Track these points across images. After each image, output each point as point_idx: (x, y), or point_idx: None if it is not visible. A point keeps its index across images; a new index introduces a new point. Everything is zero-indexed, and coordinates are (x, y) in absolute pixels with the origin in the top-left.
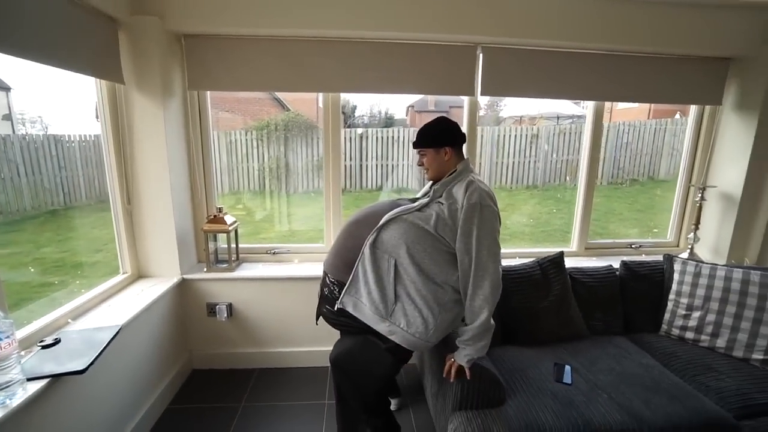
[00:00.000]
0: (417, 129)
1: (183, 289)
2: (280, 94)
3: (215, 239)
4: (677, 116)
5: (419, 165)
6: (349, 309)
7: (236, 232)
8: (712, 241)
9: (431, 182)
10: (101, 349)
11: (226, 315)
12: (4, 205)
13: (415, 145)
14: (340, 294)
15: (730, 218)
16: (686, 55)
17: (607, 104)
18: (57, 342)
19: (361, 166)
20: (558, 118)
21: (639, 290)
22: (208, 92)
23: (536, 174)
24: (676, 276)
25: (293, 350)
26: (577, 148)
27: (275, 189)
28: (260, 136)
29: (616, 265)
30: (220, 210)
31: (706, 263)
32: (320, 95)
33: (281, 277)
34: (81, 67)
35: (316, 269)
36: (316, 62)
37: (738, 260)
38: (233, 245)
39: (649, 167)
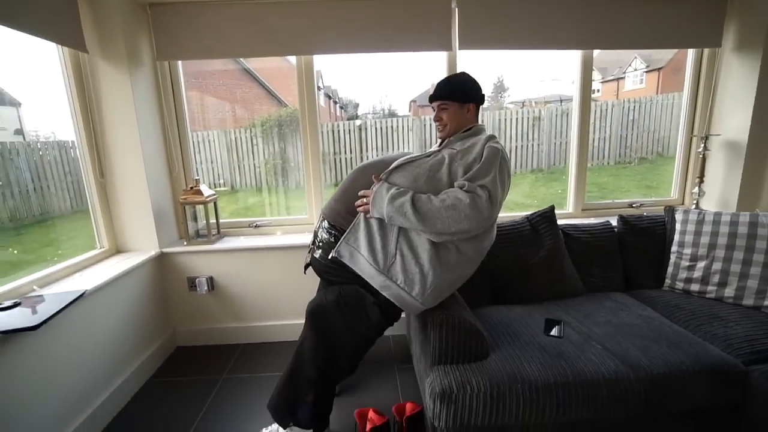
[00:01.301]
0: (417, 118)
1: (162, 263)
2: (275, 89)
3: (195, 214)
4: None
5: (436, 120)
6: (345, 259)
7: (215, 204)
8: (719, 194)
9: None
10: (59, 309)
11: (206, 288)
12: (13, 210)
13: (438, 96)
14: (335, 241)
15: (737, 168)
16: None
17: (611, 85)
18: (16, 305)
19: (361, 158)
20: (561, 101)
21: (639, 245)
22: (180, 64)
23: (540, 157)
24: (677, 226)
25: (276, 323)
26: None
27: (273, 185)
28: (258, 134)
29: (615, 223)
30: (197, 182)
31: (709, 212)
32: (321, 89)
33: (263, 247)
34: (40, 31)
35: (301, 239)
36: (285, 24)
37: (749, 211)
38: (212, 219)
39: (657, 144)
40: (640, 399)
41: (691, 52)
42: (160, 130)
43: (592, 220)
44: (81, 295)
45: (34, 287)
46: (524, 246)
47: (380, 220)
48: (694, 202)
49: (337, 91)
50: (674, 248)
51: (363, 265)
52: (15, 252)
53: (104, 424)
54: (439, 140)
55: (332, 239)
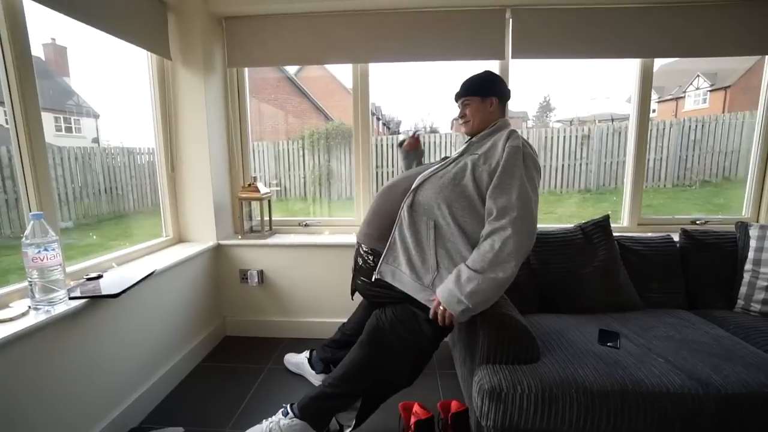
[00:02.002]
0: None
1: (218, 254)
2: (323, 105)
3: (250, 210)
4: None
5: (460, 117)
6: (388, 279)
7: (269, 202)
8: None
9: (468, 139)
10: (135, 282)
11: (257, 281)
12: (87, 208)
13: (460, 94)
14: (375, 264)
15: None
16: None
17: (669, 105)
18: (100, 276)
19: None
20: (612, 120)
21: (705, 262)
22: (246, 74)
23: (588, 177)
24: (753, 243)
25: (322, 320)
26: None
27: (318, 196)
28: (305, 146)
29: (676, 238)
30: (254, 179)
31: None
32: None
33: (312, 244)
34: (134, 39)
35: (347, 239)
36: (343, 35)
37: None
38: (266, 217)
39: (723, 167)
40: (712, 420)
41: (766, 59)
42: (224, 131)
43: (651, 234)
44: (151, 273)
45: (113, 264)
46: (577, 255)
47: (415, 236)
48: None
49: (380, 107)
50: (748, 266)
51: (407, 282)
52: (94, 237)
53: (158, 401)
54: (465, 141)
55: (372, 263)
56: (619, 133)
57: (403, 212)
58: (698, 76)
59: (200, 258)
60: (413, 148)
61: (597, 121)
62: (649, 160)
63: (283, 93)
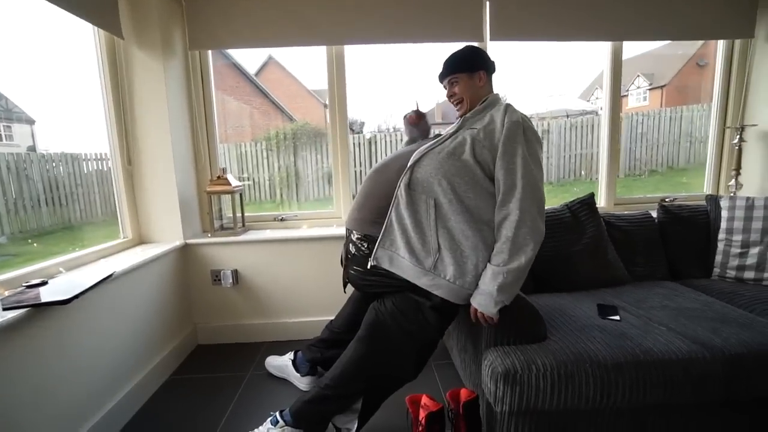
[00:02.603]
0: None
1: (186, 255)
2: (284, 105)
3: (220, 205)
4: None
5: (450, 97)
6: (385, 265)
7: (241, 196)
8: (757, 186)
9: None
10: (89, 286)
11: (231, 281)
12: (24, 222)
13: (445, 73)
14: (370, 251)
15: None
16: None
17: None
18: (43, 283)
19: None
20: (567, 115)
21: (682, 234)
22: (211, 60)
23: (549, 170)
24: (724, 213)
25: (306, 320)
26: (590, 141)
27: (286, 198)
28: (269, 147)
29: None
30: (223, 171)
31: (758, 197)
32: (327, 107)
33: (291, 238)
34: (79, 10)
35: (329, 231)
36: (317, 15)
37: None
38: (238, 212)
39: (667, 157)
40: (719, 381)
41: (721, 44)
42: (188, 120)
43: (631, 211)
44: (110, 276)
45: (61, 269)
46: (567, 233)
47: (414, 216)
48: (731, 194)
49: None
50: (722, 236)
51: (406, 267)
52: (35, 245)
53: (125, 420)
54: (458, 119)
55: (365, 250)
56: (576, 127)
57: (401, 191)
58: (638, 75)
59: (165, 259)
60: (414, 123)
61: (553, 118)
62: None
63: (242, 93)
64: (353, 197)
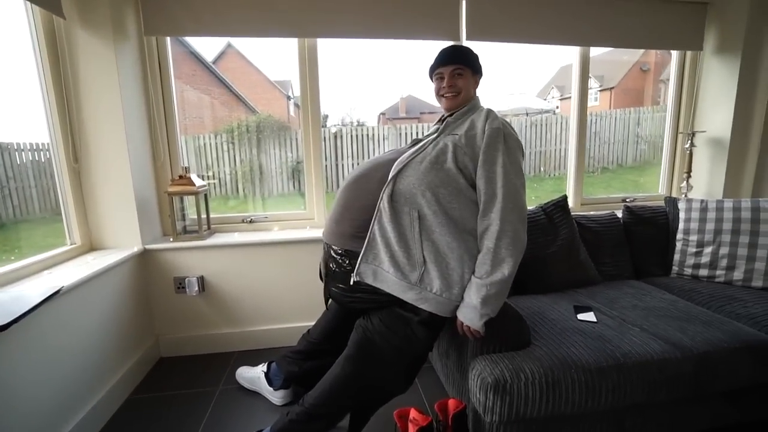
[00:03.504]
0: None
1: (145, 262)
2: (246, 96)
3: (183, 207)
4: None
5: (449, 86)
6: (369, 280)
7: (206, 197)
8: (705, 188)
9: (442, 117)
10: (32, 307)
11: (197, 289)
12: None
13: (453, 60)
14: (351, 267)
15: (721, 162)
16: None
17: (568, 102)
18: None
19: (336, 165)
20: (527, 114)
21: (644, 234)
22: (169, 47)
23: None
24: (681, 215)
25: (277, 327)
26: (549, 139)
27: (249, 192)
28: (230, 139)
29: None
30: (186, 170)
31: (711, 199)
32: (291, 99)
33: (261, 242)
34: None
35: (303, 233)
36: (288, 4)
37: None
38: (203, 214)
39: (617, 155)
40: (691, 379)
41: (674, 54)
42: (145, 113)
43: (599, 212)
44: (57, 292)
45: None
46: (541, 235)
47: (398, 229)
48: (683, 195)
49: None
50: (680, 236)
51: (391, 282)
52: None
53: None
54: (441, 118)
55: (347, 266)
56: (536, 125)
57: (383, 204)
58: (590, 77)
59: (122, 268)
60: None
61: (515, 115)
62: (560, 150)
63: (201, 83)
64: (326, 200)
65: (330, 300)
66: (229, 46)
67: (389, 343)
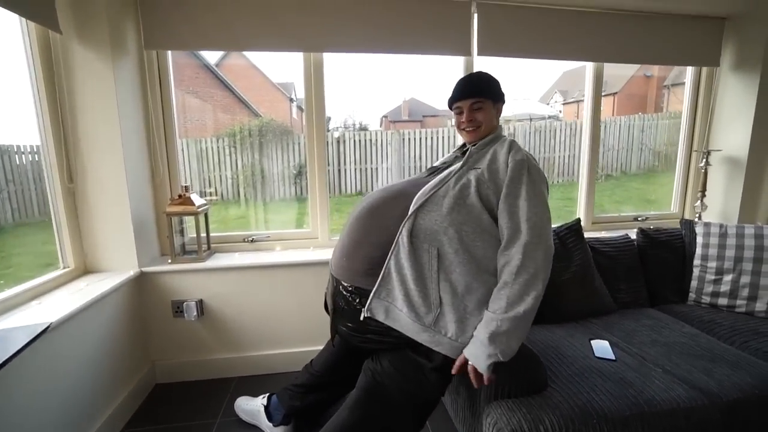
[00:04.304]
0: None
1: (142, 285)
2: (249, 100)
3: (182, 227)
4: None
5: (469, 121)
6: (380, 317)
7: (206, 217)
8: (720, 208)
9: (462, 146)
10: (17, 349)
11: (196, 314)
12: None
13: (472, 93)
14: (362, 305)
15: (738, 182)
16: (682, 14)
17: (572, 107)
18: None
19: (339, 170)
20: (531, 119)
21: (660, 258)
22: (170, 59)
23: None
24: (699, 239)
25: (280, 352)
26: (552, 146)
27: (251, 197)
28: (233, 143)
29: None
30: (186, 189)
31: (731, 224)
32: (293, 101)
33: (263, 265)
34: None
35: (307, 255)
36: (294, 18)
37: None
38: (203, 233)
39: (621, 163)
40: (720, 428)
41: (690, 70)
42: (143, 130)
43: (609, 234)
44: (45, 330)
45: None
46: (555, 261)
47: (415, 266)
48: (697, 215)
49: None
50: (697, 261)
51: (404, 322)
52: None
53: None
54: (462, 149)
55: (357, 305)
56: (540, 131)
57: (402, 239)
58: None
59: (117, 294)
60: None
61: (518, 121)
62: (564, 157)
63: (203, 85)
64: (329, 208)
65: (336, 335)
66: None
67: (399, 388)
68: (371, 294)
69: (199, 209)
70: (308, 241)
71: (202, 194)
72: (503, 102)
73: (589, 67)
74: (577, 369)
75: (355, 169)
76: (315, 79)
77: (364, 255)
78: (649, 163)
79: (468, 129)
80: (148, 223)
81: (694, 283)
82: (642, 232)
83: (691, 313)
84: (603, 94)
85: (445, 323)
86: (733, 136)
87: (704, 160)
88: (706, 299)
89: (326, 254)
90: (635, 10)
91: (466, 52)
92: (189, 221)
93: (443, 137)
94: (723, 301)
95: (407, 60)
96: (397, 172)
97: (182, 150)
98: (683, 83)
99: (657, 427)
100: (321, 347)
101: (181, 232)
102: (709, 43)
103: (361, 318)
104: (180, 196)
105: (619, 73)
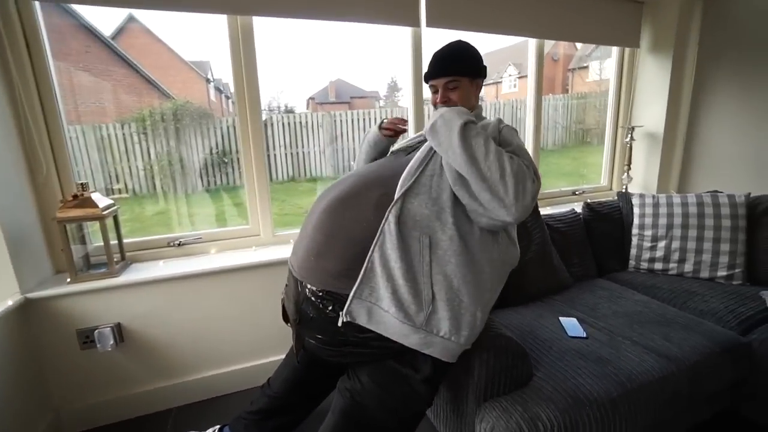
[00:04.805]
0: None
1: (30, 315)
2: (158, 80)
3: (83, 235)
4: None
5: (442, 101)
6: (361, 320)
7: (116, 219)
8: (641, 179)
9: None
10: None
11: (112, 341)
12: None
13: (445, 72)
14: (336, 313)
15: (656, 155)
16: None
17: (491, 88)
18: None
19: (268, 156)
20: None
21: (603, 230)
22: (41, 17)
23: None
24: (636, 210)
25: (227, 371)
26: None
27: (169, 190)
28: (142, 129)
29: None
30: (83, 186)
31: (662, 195)
32: (211, 81)
33: (196, 274)
34: None
35: (247, 257)
36: None
37: (665, 192)
38: (114, 240)
39: (540, 141)
40: (685, 391)
41: (615, 50)
42: (8, 109)
43: (559, 210)
44: None
45: None
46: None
47: (405, 258)
48: (624, 186)
49: (228, 85)
50: (635, 231)
51: (390, 324)
52: None
53: None
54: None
55: (331, 312)
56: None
57: (389, 226)
58: (510, 64)
59: None
60: (395, 136)
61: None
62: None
63: (98, 62)
64: (270, 199)
65: (301, 351)
66: (130, 19)
67: (383, 405)
68: (351, 294)
69: (105, 211)
70: (249, 240)
71: (108, 192)
72: (483, 77)
73: (531, 43)
74: (556, 352)
75: (286, 154)
76: (244, 49)
77: (337, 253)
78: (563, 138)
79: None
80: (31, 235)
81: (633, 251)
82: (588, 206)
83: (634, 279)
84: (518, 75)
85: (437, 321)
86: (651, 112)
87: (629, 135)
88: (644, 265)
89: (271, 254)
90: None
91: (414, 22)
92: (92, 226)
93: (375, 119)
94: (659, 265)
95: (333, 38)
96: (330, 156)
97: (75, 139)
98: (586, 66)
99: (640, 402)
100: (274, 358)
101: (83, 240)
102: (630, 25)
103: (339, 324)
104: (75, 196)
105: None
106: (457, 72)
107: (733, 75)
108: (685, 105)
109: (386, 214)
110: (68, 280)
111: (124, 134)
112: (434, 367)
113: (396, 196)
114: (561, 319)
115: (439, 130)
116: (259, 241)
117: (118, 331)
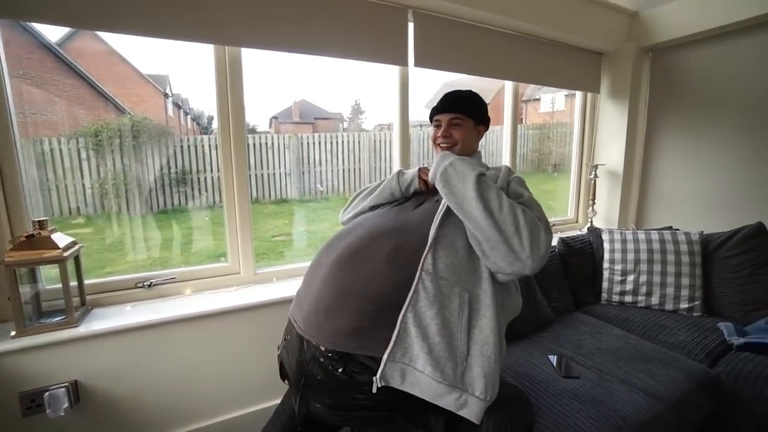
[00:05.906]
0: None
1: None
2: (110, 92)
3: (35, 279)
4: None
5: (443, 136)
6: (395, 383)
7: (78, 261)
8: (604, 213)
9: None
10: None
11: (67, 404)
12: None
13: (452, 108)
14: (348, 376)
15: (616, 191)
16: (575, 45)
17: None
18: None
19: (231, 178)
20: (421, 126)
21: (577, 264)
22: None
23: None
24: (606, 245)
25: (203, 426)
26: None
27: (120, 211)
28: (92, 144)
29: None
30: (41, 224)
31: (627, 230)
32: (169, 96)
33: (169, 321)
34: None
35: (227, 300)
36: (209, 2)
37: (625, 227)
38: (74, 282)
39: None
40: (673, 426)
41: (578, 95)
42: None
43: None
44: None
45: None
46: None
47: (442, 314)
48: (590, 220)
49: (187, 100)
50: (606, 265)
51: (425, 384)
52: None
53: None
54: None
55: (342, 375)
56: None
57: (425, 283)
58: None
59: None
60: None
61: (420, 126)
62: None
63: (42, 70)
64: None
65: (305, 416)
66: None
67: None
68: (384, 358)
69: (66, 252)
70: (228, 279)
71: (48, 211)
72: (486, 126)
73: (508, 84)
74: (553, 395)
75: (251, 175)
76: (231, 74)
77: (351, 311)
78: (521, 168)
79: (442, 144)
80: None
81: (605, 284)
82: (563, 241)
83: (608, 312)
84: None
85: (472, 378)
86: (611, 152)
87: (593, 173)
88: (616, 298)
89: (255, 295)
90: (541, 36)
91: (402, 62)
92: (45, 272)
93: (341, 142)
94: (628, 298)
95: (297, 59)
96: (296, 177)
97: (22, 161)
98: (538, 99)
99: None
100: (260, 406)
101: (34, 280)
102: (592, 73)
103: (374, 390)
104: (30, 236)
105: (488, 87)
106: (463, 111)
107: (678, 121)
108: (640, 146)
109: (418, 269)
110: (12, 333)
111: (69, 149)
112: (446, 426)
113: (428, 243)
114: (550, 357)
115: (451, 180)
116: (240, 279)
117: (74, 390)
